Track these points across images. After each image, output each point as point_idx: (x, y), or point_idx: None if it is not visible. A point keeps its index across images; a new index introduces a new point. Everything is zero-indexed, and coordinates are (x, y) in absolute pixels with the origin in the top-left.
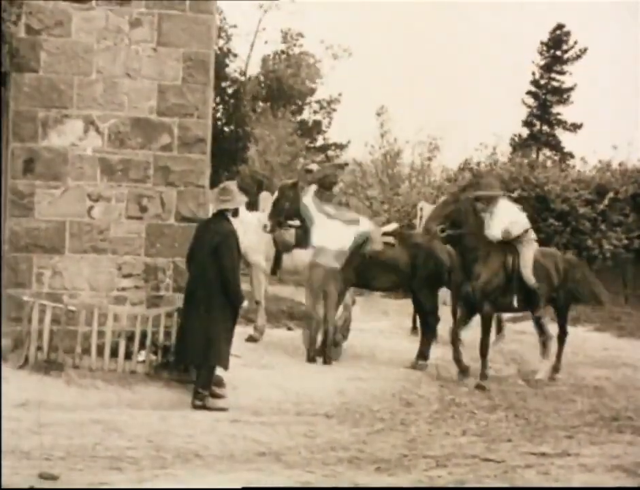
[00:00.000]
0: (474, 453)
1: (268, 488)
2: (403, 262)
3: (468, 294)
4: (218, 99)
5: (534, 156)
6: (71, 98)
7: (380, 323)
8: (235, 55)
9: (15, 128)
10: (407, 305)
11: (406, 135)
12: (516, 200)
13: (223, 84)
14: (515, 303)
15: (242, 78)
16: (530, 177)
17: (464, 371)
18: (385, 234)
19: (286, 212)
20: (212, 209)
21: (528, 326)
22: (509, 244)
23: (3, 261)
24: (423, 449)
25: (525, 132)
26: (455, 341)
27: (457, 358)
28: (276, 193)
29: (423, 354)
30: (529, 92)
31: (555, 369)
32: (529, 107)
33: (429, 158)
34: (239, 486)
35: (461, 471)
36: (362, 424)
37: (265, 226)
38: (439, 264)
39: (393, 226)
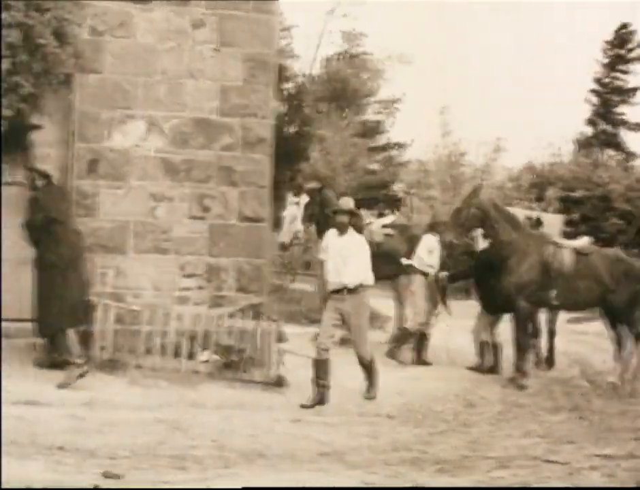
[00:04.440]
0: (537, 455)
1: (269, 488)
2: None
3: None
4: (280, 100)
5: (597, 155)
6: (134, 99)
7: (441, 323)
8: (297, 56)
9: (79, 129)
10: (467, 305)
11: (470, 135)
12: (578, 200)
13: (286, 85)
14: (554, 300)
15: (305, 79)
16: (592, 177)
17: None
18: (385, 226)
19: (316, 216)
20: None
21: (591, 327)
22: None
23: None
24: (485, 450)
25: (589, 131)
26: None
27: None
28: (306, 197)
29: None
30: (592, 91)
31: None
32: (593, 105)
33: (493, 159)
34: (302, 487)
35: (523, 472)
36: (424, 425)
37: (298, 232)
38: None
39: (391, 218)
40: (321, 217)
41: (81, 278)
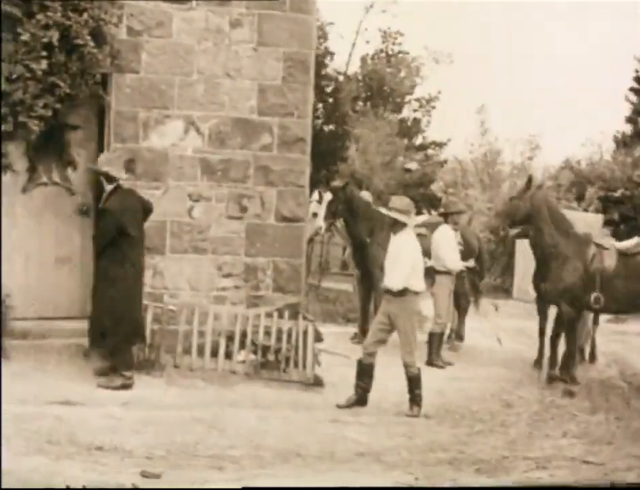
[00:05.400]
0: (575, 455)
1: (270, 488)
2: None
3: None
4: (317, 99)
5: (637, 154)
6: (171, 98)
7: (478, 323)
8: (332, 54)
9: (116, 128)
10: (505, 304)
11: (507, 133)
12: (618, 199)
13: (323, 83)
14: (596, 303)
15: (342, 78)
16: (632, 176)
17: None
18: (417, 226)
19: (339, 213)
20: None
21: (630, 327)
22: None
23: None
24: (523, 451)
25: (628, 129)
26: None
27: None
28: (330, 195)
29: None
30: (632, 89)
31: None
32: (632, 104)
33: (530, 157)
34: (339, 487)
35: (561, 473)
36: (462, 425)
37: (319, 228)
38: (471, 250)
39: (424, 217)
40: (348, 214)
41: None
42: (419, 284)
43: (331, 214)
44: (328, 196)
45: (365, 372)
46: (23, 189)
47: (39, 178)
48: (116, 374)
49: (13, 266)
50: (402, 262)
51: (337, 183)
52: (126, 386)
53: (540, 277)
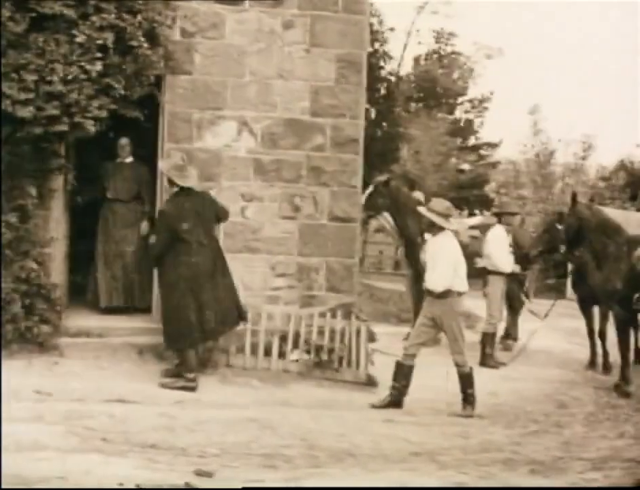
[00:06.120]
0: (631, 456)
1: (271, 489)
2: None
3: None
4: (370, 99)
5: None
6: (224, 99)
7: (532, 324)
8: (390, 57)
9: (170, 129)
10: (558, 304)
11: (560, 133)
12: None
13: (376, 85)
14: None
15: (394, 78)
16: None
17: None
18: (471, 227)
19: (380, 207)
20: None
21: None
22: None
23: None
24: (578, 451)
25: None
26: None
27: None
28: (370, 188)
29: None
30: None
31: None
32: None
33: (583, 158)
34: (393, 487)
35: (617, 474)
36: (516, 425)
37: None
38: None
39: (479, 219)
40: (395, 211)
41: (205, 296)
42: (461, 284)
43: (370, 207)
44: (369, 189)
45: (402, 374)
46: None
47: None
48: (179, 376)
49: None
50: (442, 263)
51: (380, 177)
52: (188, 388)
53: (584, 278)
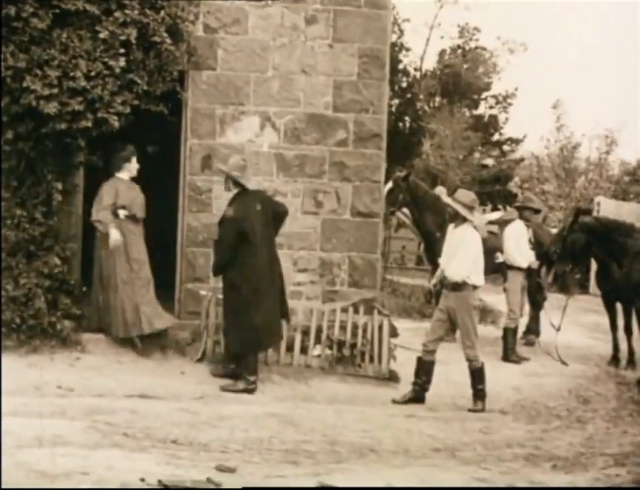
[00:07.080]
0: None
1: (271, 489)
2: None
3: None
4: (392, 94)
5: None
6: (247, 95)
7: (554, 319)
8: (407, 49)
9: (193, 125)
10: (581, 300)
11: (583, 128)
12: None
13: (398, 79)
14: None
15: (417, 73)
16: None
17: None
18: (490, 222)
19: (399, 203)
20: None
21: None
22: None
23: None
24: (601, 447)
25: None
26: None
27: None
28: (390, 183)
29: None
30: None
31: None
32: None
33: (607, 152)
34: (414, 483)
35: (639, 470)
36: (538, 421)
37: None
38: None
39: (496, 214)
40: (414, 206)
41: (267, 300)
42: (478, 278)
43: (391, 203)
44: (389, 185)
45: (424, 370)
46: None
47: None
48: (240, 378)
49: None
50: (463, 254)
51: (399, 173)
52: (249, 391)
53: (607, 274)
